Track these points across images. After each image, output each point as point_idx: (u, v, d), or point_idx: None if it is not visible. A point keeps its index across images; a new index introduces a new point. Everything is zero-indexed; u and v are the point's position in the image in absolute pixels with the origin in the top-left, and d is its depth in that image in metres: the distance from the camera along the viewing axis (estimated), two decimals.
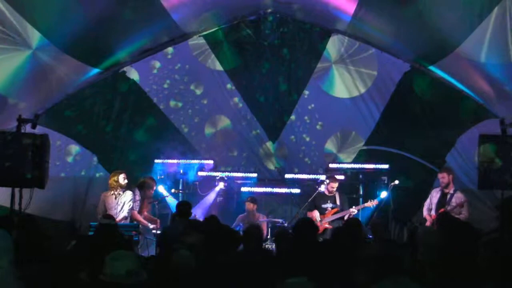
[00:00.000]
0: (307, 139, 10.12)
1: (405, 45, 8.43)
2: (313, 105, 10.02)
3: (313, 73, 9.84)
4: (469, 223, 6.59)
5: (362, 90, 9.63)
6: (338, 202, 8.69)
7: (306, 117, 10.06)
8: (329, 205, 8.68)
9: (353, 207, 8.57)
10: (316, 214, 8.58)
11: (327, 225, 8.50)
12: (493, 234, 7.11)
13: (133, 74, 9.59)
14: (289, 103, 10.02)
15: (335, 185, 8.68)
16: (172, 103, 10.01)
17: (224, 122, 10.22)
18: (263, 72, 9.90)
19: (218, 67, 9.97)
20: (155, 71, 9.80)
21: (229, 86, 10.05)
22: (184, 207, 7.11)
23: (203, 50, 9.82)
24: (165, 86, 9.92)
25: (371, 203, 8.55)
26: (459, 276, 3.64)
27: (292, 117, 10.06)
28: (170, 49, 9.67)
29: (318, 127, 10.10)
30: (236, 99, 10.10)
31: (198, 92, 10.08)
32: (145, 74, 9.73)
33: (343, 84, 9.76)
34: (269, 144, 10.16)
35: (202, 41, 9.69)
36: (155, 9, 7.48)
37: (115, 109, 9.42)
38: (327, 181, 8.70)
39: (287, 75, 9.94)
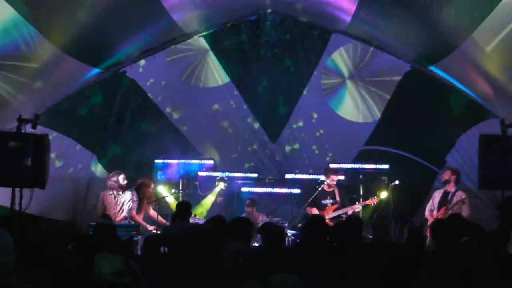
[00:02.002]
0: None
1: (405, 45, 8.43)
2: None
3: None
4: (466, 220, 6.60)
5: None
6: (337, 198, 8.66)
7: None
8: (329, 201, 8.61)
9: (357, 203, 8.52)
10: (315, 212, 8.51)
11: (328, 222, 8.46)
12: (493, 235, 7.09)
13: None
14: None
15: (336, 177, 8.60)
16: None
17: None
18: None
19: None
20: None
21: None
22: (184, 207, 7.10)
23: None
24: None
25: (372, 201, 8.54)
26: (452, 275, 3.65)
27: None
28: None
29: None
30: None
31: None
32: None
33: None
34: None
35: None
36: (155, 9, 7.48)
37: (115, 109, 9.37)
38: (328, 174, 8.57)
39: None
